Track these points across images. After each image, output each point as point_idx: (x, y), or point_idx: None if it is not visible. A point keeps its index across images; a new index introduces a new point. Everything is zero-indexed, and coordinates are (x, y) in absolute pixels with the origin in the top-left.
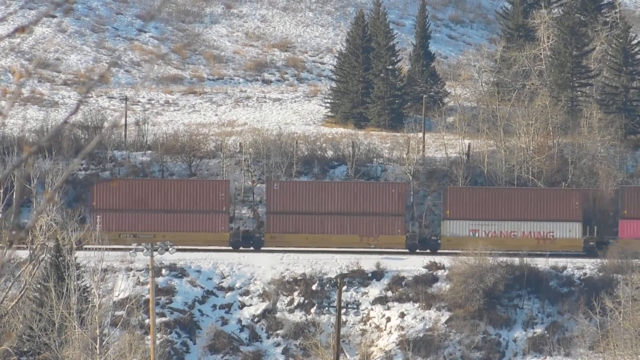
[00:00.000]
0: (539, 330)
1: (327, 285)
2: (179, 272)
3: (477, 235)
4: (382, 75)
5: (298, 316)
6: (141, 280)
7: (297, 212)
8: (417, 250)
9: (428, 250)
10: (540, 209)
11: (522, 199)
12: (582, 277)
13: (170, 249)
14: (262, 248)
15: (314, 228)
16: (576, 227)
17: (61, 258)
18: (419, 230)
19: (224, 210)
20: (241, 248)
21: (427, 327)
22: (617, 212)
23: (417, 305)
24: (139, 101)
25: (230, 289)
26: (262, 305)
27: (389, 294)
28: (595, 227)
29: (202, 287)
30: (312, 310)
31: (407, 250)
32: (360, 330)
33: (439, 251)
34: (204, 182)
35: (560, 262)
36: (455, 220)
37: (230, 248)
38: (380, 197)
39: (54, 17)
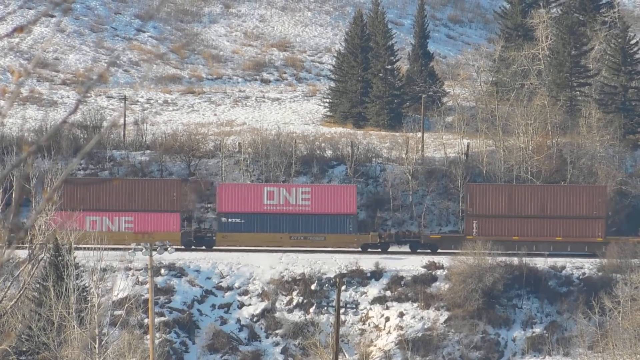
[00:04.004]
0: (538, 329)
1: (326, 284)
2: (178, 271)
3: None
4: (380, 74)
5: (297, 316)
6: (140, 280)
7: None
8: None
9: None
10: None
11: None
12: (581, 277)
13: (169, 249)
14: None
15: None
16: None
17: (60, 258)
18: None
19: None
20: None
21: (426, 326)
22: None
23: (416, 304)
24: (137, 101)
25: (229, 288)
26: (261, 305)
27: (388, 293)
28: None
29: (201, 287)
30: (311, 310)
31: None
32: (359, 329)
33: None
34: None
35: (559, 261)
36: None
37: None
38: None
39: (52, 16)
